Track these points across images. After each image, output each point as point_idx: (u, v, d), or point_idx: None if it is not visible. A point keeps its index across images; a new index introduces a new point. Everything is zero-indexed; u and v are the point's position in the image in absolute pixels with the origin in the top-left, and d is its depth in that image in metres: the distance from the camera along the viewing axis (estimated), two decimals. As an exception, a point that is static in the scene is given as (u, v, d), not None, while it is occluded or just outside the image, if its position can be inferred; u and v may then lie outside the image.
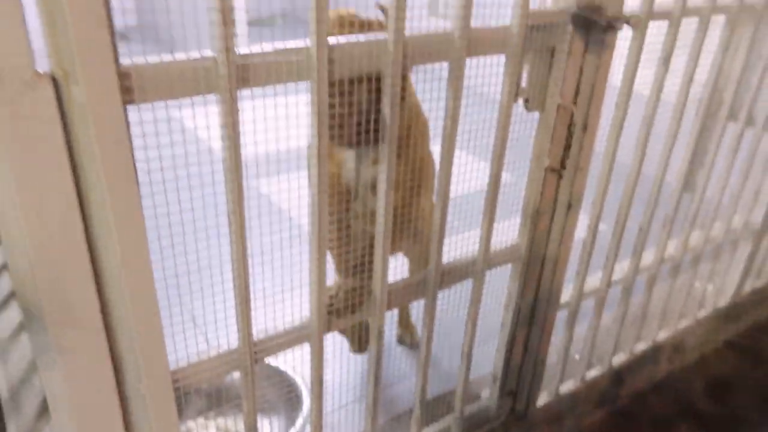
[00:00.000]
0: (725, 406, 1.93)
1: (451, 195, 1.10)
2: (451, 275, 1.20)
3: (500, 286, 1.38)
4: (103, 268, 0.76)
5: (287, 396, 1.51)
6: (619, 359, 1.77)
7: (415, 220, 1.24)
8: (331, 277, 1.16)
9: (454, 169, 1.08)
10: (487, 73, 1.05)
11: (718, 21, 1.39)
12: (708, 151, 1.63)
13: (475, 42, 0.97)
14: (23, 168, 0.66)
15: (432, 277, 1.17)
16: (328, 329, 1.06)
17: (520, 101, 1.13)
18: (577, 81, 1.14)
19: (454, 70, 0.98)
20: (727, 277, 2.04)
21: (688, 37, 1.33)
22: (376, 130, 0.95)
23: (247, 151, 0.83)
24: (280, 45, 0.79)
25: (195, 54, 0.73)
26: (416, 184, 1.16)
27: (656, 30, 1.24)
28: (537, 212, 1.26)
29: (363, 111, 0.95)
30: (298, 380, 1.54)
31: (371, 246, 1.06)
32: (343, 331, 1.62)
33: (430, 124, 1.33)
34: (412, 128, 1.17)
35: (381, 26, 0.97)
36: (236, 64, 0.75)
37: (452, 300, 1.31)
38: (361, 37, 0.86)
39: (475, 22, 0.96)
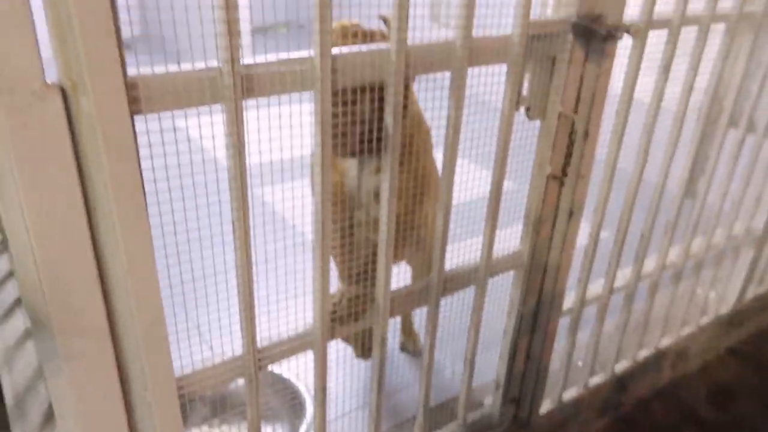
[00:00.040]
0: (728, 413, 1.93)
1: (454, 202, 1.11)
2: (453, 282, 1.21)
3: (502, 294, 1.39)
4: (110, 276, 0.77)
5: (290, 403, 1.51)
6: (622, 366, 1.77)
7: (418, 228, 1.25)
8: (334, 285, 1.16)
9: (457, 177, 1.08)
10: (488, 82, 1.06)
11: (718, 29, 1.40)
12: (709, 157, 1.64)
13: (476, 51, 0.98)
14: (32, 177, 0.67)
15: (434, 284, 1.17)
16: (332, 336, 1.07)
17: (522, 109, 1.14)
18: (578, 89, 1.15)
19: (456, 79, 0.99)
20: (729, 284, 2.04)
21: (688, 45, 1.35)
22: (379, 139, 0.96)
23: (251, 159, 0.84)
24: (284, 55, 0.80)
25: (200, 64, 0.74)
26: (419, 192, 1.17)
27: (656, 39, 1.25)
28: (539, 219, 1.27)
29: (366, 120, 0.96)
30: (301, 388, 1.54)
31: (374, 254, 1.07)
32: (346, 339, 1.62)
33: (433, 132, 1.34)
34: (415, 137, 1.18)
35: (383, 36, 0.98)
36: (241, 74, 0.76)
37: (455, 307, 1.32)
38: (364, 48, 0.87)
39: (476, 32, 0.97)
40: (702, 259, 1.82)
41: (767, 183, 1.86)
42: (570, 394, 1.65)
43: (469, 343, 1.32)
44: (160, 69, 0.71)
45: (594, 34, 1.10)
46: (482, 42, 0.99)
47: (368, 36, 1.09)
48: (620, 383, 1.80)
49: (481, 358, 1.38)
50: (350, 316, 1.08)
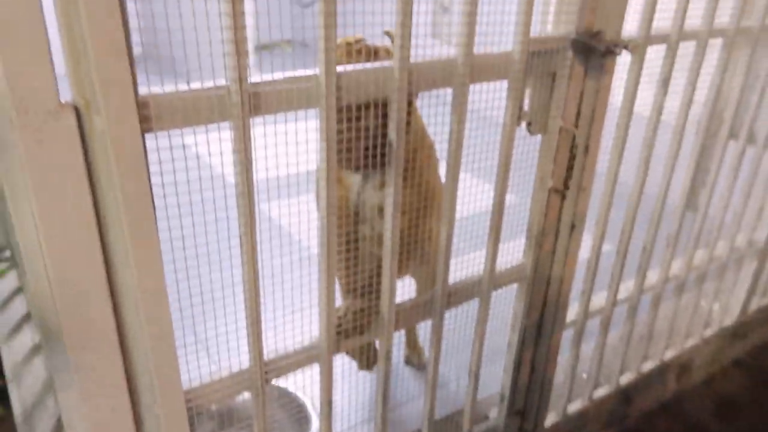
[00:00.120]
0: (733, 425, 1.92)
1: (457, 216, 1.13)
2: (457, 295, 1.22)
3: (506, 306, 1.40)
4: (120, 290, 0.79)
5: (296, 417, 1.51)
6: (627, 378, 1.77)
7: (422, 242, 1.26)
8: (337, 300, 1.18)
9: (460, 191, 1.10)
10: (490, 98, 1.08)
11: (716, 44, 1.43)
12: (709, 170, 1.65)
13: (478, 68, 1.00)
14: (46, 193, 0.69)
15: (439, 297, 1.18)
16: (337, 350, 1.08)
17: (523, 124, 1.16)
18: (578, 104, 1.17)
19: (458, 95, 1.01)
20: (732, 296, 2.04)
21: (687, 60, 1.37)
22: (383, 155, 0.98)
23: (257, 175, 0.86)
24: (290, 73, 0.82)
25: (209, 83, 0.76)
26: (423, 206, 1.19)
27: (655, 54, 1.27)
28: (541, 233, 1.28)
29: (370, 136, 0.98)
30: (307, 401, 1.55)
31: (379, 267, 1.08)
32: (349, 352, 1.63)
33: (436, 147, 1.36)
34: (418, 152, 1.20)
35: (388, 52, 1.00)
36: (248, 92, 0.78)
37: (459, 320, 1.33)
38: (368, 65, 0.89)
39: (477, 49, 0.99)
40: (705, 271, 1.82)
41: (768, 195, 1.87)
42: (575, 406, 1.65)
43: (474, 355, 1.33)
44: (170, 88, 0.73)
45: (593, 50, 1.12)
46: (483, 59, 1.01)
47: (372, 53, 1.11)
48: (625, 395, 1.80)
49: (486, 370, 1.39)
50: (355, 330, 1.09)
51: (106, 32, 0.64)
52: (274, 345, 1.02)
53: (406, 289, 1.42)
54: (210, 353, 0.99)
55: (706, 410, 1.97)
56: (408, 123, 0.96)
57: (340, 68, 0.85)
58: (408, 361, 1.97)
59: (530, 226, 1.29)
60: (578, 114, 1.18)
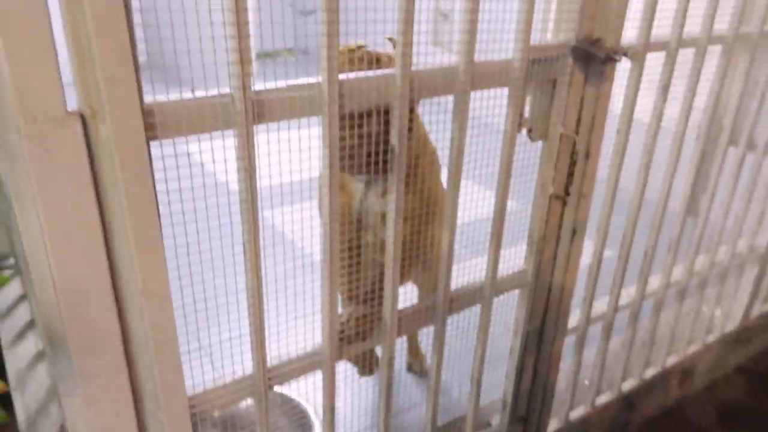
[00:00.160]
0: None
1: (458, 222, 1.13)
2: (459, 301, 1.22)
3: (508, 313, 1.40)
4: (124, 297, 0.79)
5: (299, 423, 1.51)
6: (629, 385, 1.77)
7: (424, 249, 1.27)
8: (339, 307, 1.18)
9: (461, 198, 1.11)
10: (491, 105, 1.08)
11: (715, 50, 1.44)
12: (710, 175, 1.66)
13: (479, 76, 1.01)
14: (52, 200, 0.69)
15: (441, 303, 1.19)
16: (340, 356, 1.08)
17: (524, 131, 1.17)
18: (579, 111, 1.18)
19: (459, 103, 1.01)
20: (734, 302, 2.04)
21: (686, 66, 1.37)
22: (385, 161, 0.98)
23: (260, 182, 0.87)
24: (293, 81, 0.83)
25: (213, 91, 0.77)
26: (425, 212, 1.20)
27: (654, 61, 1.28)
28: (542, 239, 1.29)
29: (372, 142, 0.99)
30: (309, 409, 1.55)
31: (381, 273, 1.09)
32: (349, 358, 1.63)
33: (438, 153, 1.37)
34: (420, 158, 1.21)
35: (390, 59, 1.01)
36: (252, 100, 0.79)
37: (461, 326, 1.33)
38: (370, 73, 0.90)
39: (478, 57, 1.00)
40: (706, 276, 1.83)
41: (769, 200, 1.88)
42: (577, 413, 1.65)
43: (476, 361, 1.33)
44: (174, 96, 0.74)
45: (593, 58, 1.13)
46: (484, 66, 1.02)
47: (374, 60, 1.12)
48: (627, 402, 1.80)
49: (488, 377, 1.39)
50: (358, 336, 1.09)
51: (112, 41, 0.65)
52: (276, 351, 1.02)
53: (408, 295, 1.42)
54: (213, 359, 1.00)
55: (708, 417, 1.97)
56: (410, 129, 0.96)
57: (342, 76, 0.86)
58: (410, 368, 1.98)
59: (531, 232, 1.30)
60: (579, 120, 1.19)
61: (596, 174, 1.27)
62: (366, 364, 1.56)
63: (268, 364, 0.99)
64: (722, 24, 1.40)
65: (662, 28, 1.26)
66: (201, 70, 0.74)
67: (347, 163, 1.08)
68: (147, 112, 0.71)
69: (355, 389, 1.32)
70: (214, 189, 0.88)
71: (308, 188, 1.14)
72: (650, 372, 1.82)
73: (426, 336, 1.97)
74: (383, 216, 1.25)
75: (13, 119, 0.65)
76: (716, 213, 1.74)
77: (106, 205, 0.73)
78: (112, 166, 0.71)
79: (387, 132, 0.96)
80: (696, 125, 1.50)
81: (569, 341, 1.48)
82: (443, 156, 1.14)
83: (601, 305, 1.55)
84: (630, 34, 1.20)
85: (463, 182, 1.09)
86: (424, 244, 1.24)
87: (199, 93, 0.77)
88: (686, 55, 1.35)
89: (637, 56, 1.23)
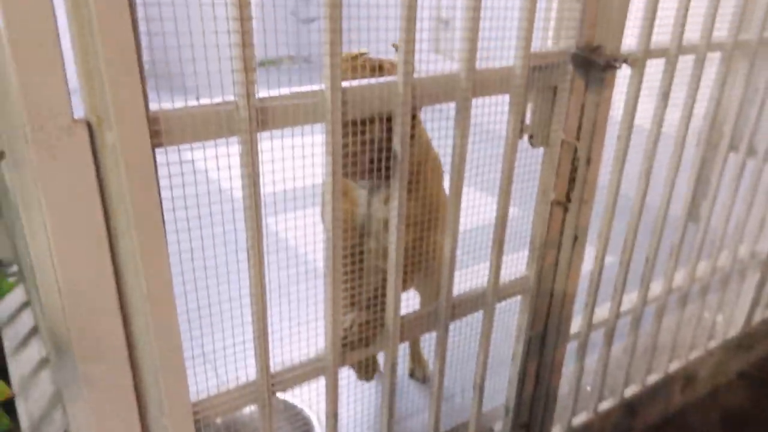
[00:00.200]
0: (740, 437, 1.91)
1: (461, 229, 1.14)
2: (461, 307, 1.23)
3: (510, 318, 1.41)
4: (129, 303, 0.80)
5: (301, 430, 1.52)
6: (631, 391, 1.77)
7: (427, 256, 1.27)
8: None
9: (463, 204, 1.11)
10: (492, 112, 1.09)
11: (714, 57, 1.44)
12: (710, 181, 1.66)
13: (480, 83, 1.02)
14: (58, 207, 0.70)
15: (443, 309, 1.19)
16: (343, 362, 1.08)
17: (525, 137, 1.18)
18: (580, 117, 1.19)
19: (461, 110, 1.02)
20: (736, 307, 2.05)
21: (686, 73, 1.38)
22: (388, 168, 0.99)
23: (263, 189, 0.87)
24: (296, 89, 0.84)
25: (218, 99, 0.78)
26: (427, 218, 1.20)
27: (654, 68, 1.29)
28: (544, 245, 1.29)
29: (375, 149, 1.00)
30: (312, 416, 1.55)
31: (384, 280, 1.09)
32: (351, 363, 1.63)
33: (441, 161, 1.38)
34: (422, 165, 1.21)
35: (393, 66, 1.02)
36: (256, 107, 0.79)
37: (463, 332, 1.33)
38: (373, 81, 0.91)
39: (479, 64, 1.01)
40: (708, 282, 1.83)
41: (770, 206, 1.88)
42: (580, 419, 1.65)
43: (479, 367, 1.34)
44: (179, 104, 0.75)
45: (593, 65, 1.14)
46: (486, 74, 1.03)
47: (377, 67, 1.13)
48: (630, 408, 1.80)
49: (491, 383, 1.39)
50: (361, 342, 1.10)
51: (118, 50, 0.66)
52: (280, 357, 1.03)
53: (410, 302, 1.42)
54: (216, 365, 1.00)
55: (711, 423, 1.96)
56: (412, 136, 0.97)
57: (345, 83, 0.87)
58: (412, 374, 1.98)
59: (533, 238, 1.30)
60: (579, 127, 1.19)
61: (597, 180, 1.28)
62: (365, 369, 1.56)
63: (271, 370, 0.99)
64: (721, 31, 1.41)
65: (662, 35, 1.27)
66: (204, 78, 0.75)
67: (350, 169, 1.08)
68: (152, 120, 0.72)
69: (357, 396, 1.33)
70: (216, 196, 0.89)
71: (310, 195, 1.15)
72: (653, 378, 1.82)
73: (428, 342, 1.97)
74: (386, 223, 1.25)
75: (20, 127, 0.66)
76: (717, 219, 1.75)
77: (112, 212, 0.74)
78: (117, 173, 0.72)
79: (390, 139, 0.97)
80: (696, 131, 1.51)
81: (571, 347, 1.48)
82: (445, 163, 1.14)
83: (602, 311, 1.55)
84: (630, 41, 1.21)
85: (465, 189, 1.10)
86: (426, 251, 1.25)
87: (204, 100, 0.77)
88: (686, 62, 1.36)
89: (637, 63, 1.24)
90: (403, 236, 1.04)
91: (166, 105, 0.74)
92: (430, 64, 1.02)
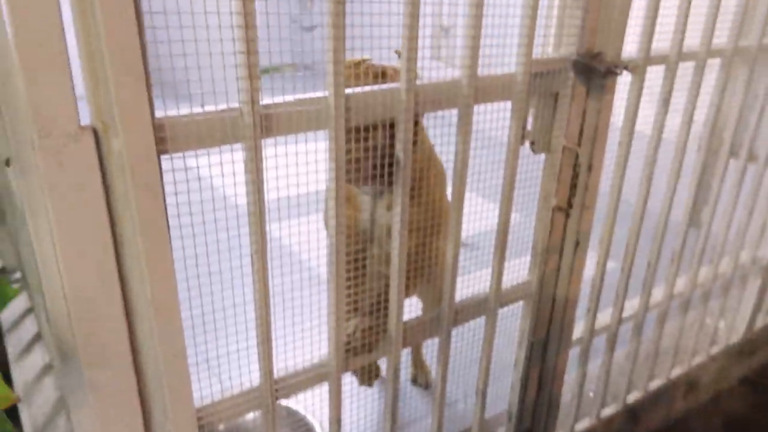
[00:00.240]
0: (743, 443, 1.91)
1: (463, 235, 1.14)
2: (464, 313, 1.23)
3: (512, 324, 1.41)
4: (134, 308, 0.80)
5: (304, 437, 1.52)
6: (634, 397, 1.77)
7: (430, 263, 1.28)
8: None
9: (465, 210, 1.12)
10: (494, 118, 1.10)
11: (714, 63, 1.45)
12: (711, 187, 1.67)
13: (482, 90, 1.03)
14: (64, 213, 0.70)
15: (446, 315, 1.19)
16: (346, 368, 1.09)
17: (527, 144, 1.18)
18: (581, 123, 1.19)
19: (463, 116, 1.03)
20: (738, 313, 2.04)
21: (686, 79, 1.39)
22: (391, 174, 1.00)
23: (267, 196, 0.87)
24: (300, 95, 0.85)
25: (222, 106, 0.79)
26: (430, 224, 1.21)
27: (655, 74, 1.30)
28: (546, 250, 1.30)
29: (378, 155, 1.00)
30: (315, 423, 1.55)
31: (387, 286, 1.09)
32: (354, 370, 1.63)
33: (444, 168, 1.38)
34: (425, 171, 1.22)
35: (396, 72, 1.03)
36: (260, 114, 0.80)
37: (466, 338, 1.34)
38: (376, 87, 0.91)
39: (481, 71, 1.02)
40: (709, 288, 1.83)
41: (771, 212, 1.89)
42: (582, 425, 1.65)
43: (481, 373, 1.34)
44: (185, 111, 0.76)
45: (594, 71, 1.14)
46: (487, 80, 1.04)
47: (380, 74, 1.14)
48: (632, 414, 1.79)
49: (493, 389, 1.39)
50: (364, 347, 1.10)
51: (125, 58, 0.67)
52: (283, 363, 1.03)
53: (412, 308, 1.43)
54: (219, 371, 1.00)
55: (713, 429, 1.96)
56: (415, 142, 0.98)
57: (348, 90, 0.87)
58: (414, 381, 1.97)
59: (535, 244, 1.31)
60: (581, 133, 1.20)
61: (599, 186, 1.28)
62: (367, 374, 1.56)
63: (275, 376, 0.99)
64: (721, 38, 1.42)
65: (662, 42, 1.27)
66: (206, 85, 0.76)
67: (353, 175, 1.09)
68: (158, 127, 0.73)
69: (360, 402, 1.33)
70: (218, 203, 0.90)
71: (312, 202, 1.15)
72: (655, 384, 1.82)
73: (430, 348, 1.97)
74: (390, 229, 1.26)
75: (27, 134, 0.66)
76: (718, 224, 1.75)
77: (117, 218, 0.75)
78: (123, 180, 0.72)
79: (393, 145, 0.97)
80: (697, 137, 1.52)
81: (573, 353, 1.48)
82: (447, 169, 1.15)
83: (604, 317, 1.56)
84: (630, 48, 1.22)
85: (467, 195, 1.11)
86: (429, 257, 1.25)
87: (209, 107, 0.78)
88: (686, 69, 1.37)
89: (638, 70, 1.25)
90: (406, 242, 1.04)
91: (172, 112, 0.74)
92: (432, 71, 1.03)
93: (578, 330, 1.49)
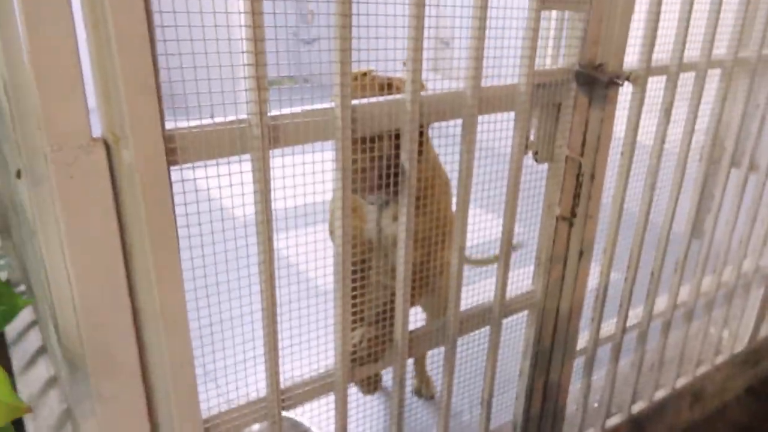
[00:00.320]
0: (749, 453, 1.90)
1: (467, 244, 1.15)
2: (469, 323, 1.23)
3: (517, 334, 1.41)
4: (142, 319, 0.81)
5: (309, 448, 1.51)
6: (639, 407, 1.76)
7: (435, 271, 1.28)
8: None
9: (470, 219, 1.12)
10: (497, 128, 1.11)
11: (715, 74, 1.47)
12: (713, 197, 1.67)
13: (485, 100, 1.04)
14: (75, 224, 0.71)
15: (451, 324, 1.20)
16: (352, 378, 1.09)
17: (530, 154, 1.19)
18: (583, 133, 1.20)
19: (467, 126, 1.04)
20: (742, 323, 2.04)
21: (687, 89, 1.40)
22: (396, 184, 1.00)
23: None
24: (307, 107, 0.86)
25: (231, 117, 0.80)
26: (435, 234, 1.21)
27: (656, 84, 1.31)
28: (550, 260, 1.30)
29: (384, 165, 1.01)
30: (318, 433, 1.55)
31: (392, 296, 1.10)
32: (359, 382, 1.63)
33: (449, 178, 1.39)
34: (429, 181, 1.23)
35: (402, 83, 1.04)
36: (268, 125, 0.81)
37: (470, 348, 1.33)
38: (381, 99, 0.93)
39: (484, 82, 1.03)
40: (713, 297, 1.83)
41: (773, 221, 1.89)
42: (588, 436, 1.65)
43: (486, 383, 1.34)
44: (194, 122, 0.76)
45: (596, 82, 1.16)
46: (491, 91, 1.05)
47: (385, 85, 1.15)
48: (637, 425, 1.79)
49: (498, 399, 1.39)
50: (369, 357, 1.10)
51: (136, 71, 0.68)
52: (288, 374, 1.03)
53: (417, 316, 1.43)
54: (228, 381, 1.00)
55: (720, 439, 1.95)
56: (420, 153, 0.99)
57: (354, 101, 0.88)
58: (417, 392, 1.97)
59: (539, 253, 1.31)
60: (583, 143, 1.21)
61: (602, 195, 1.29)
62: (370, 383, 1.56)
63: (281, 386, 0.99)
64: (721, 49, 1.43)
65: (663, 53, 1.29)
66: (215, 97, 0.77)
67: (359, 185, 1.10)
68: (168, 138, 0.73)
69: (366, 412, 1.32)
70: (216, 214, 0.90)
71: (311, 213, 1.16)
72: (660, 394, 1.82)
73: (432, 360, 1.97)
74: (395, 239, 1.26)
75: (40, 146, 0.67)
76: (721, 234, 1.75)
77: (127, 229, 0.75)
78: (133, 191, 0.73)
79: (398, 155, 0.98)
80: (698, 147, 1.53)
81: (578, 363, 1.48)
82: (452, 178, 1.15)
83: (609, 326, 1.56)
84: (631, 59, 1.23)
85: (471, 205, 1.11)
86: (434, 266, 1.26)
87: (218, 119, 0.79)
88: (687, 79, 1.38)
89: (639, 80, 1.26)
90: (412, 252, 1.05)
91: (181, 123, 0.75)
92: (430, 82, 1.04)
93: (582, 340, 1.49)
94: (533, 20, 1.04)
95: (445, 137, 1.13)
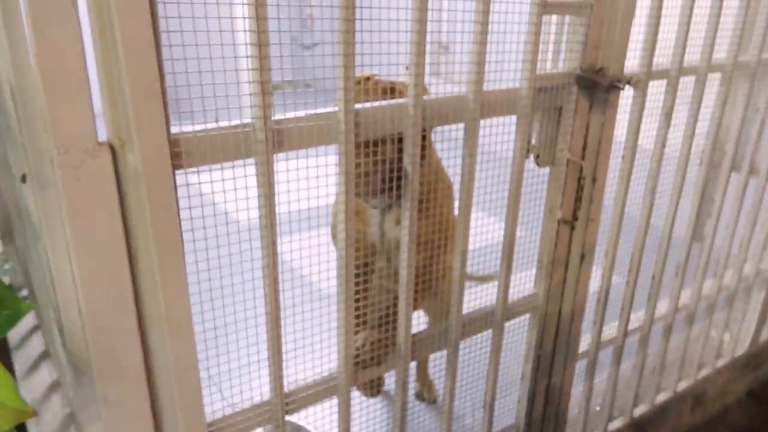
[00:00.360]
0: (751, 457, 1.90)
1: (469, 248, 1.15)
2: (471, 326, 1.23)
3: (519, 337, 1.41)
4: (147, 323, 0.81)
5: (311, 452, 1.51)
6: (641, 410, 1.76)
7: (437, 275, 1.29)
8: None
9: (472, 223, 1.13)
10: (499, 132, 1.12)
11: (715, 78, 1.47)
12: (714, 200, 1.68)
13: (487, 104, 1.05)
14: (81, 228, 0.71)
15: (453, 327, 1.20)
16: (355, 381, 1.09)
17: (532, 157, 1.20)
18: (585, 137, 1.21)
19: (469, 130, 1.04)
20: (743, 326, 2.05)
21: (687, 93, 1.41)
22: (399, 187, 1.01)
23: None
24: (311, 111, 0.86)
25: (235, 121, 0.80)
26: (437, 237, 1.22)
27: (656, 88, 1.32)
28: (552, 263, 1.31)
29: (386, 169, 1.01)
30: (321, 438, 1.55)
31: (395, 299, 1.10)
32: (360, 385, 1.63)
33: (452, 182, 1.39)
34: (432, 185, 1.23)
35: (405, 86, 1.04)
36: (272, 129, 0.81)
37: (472, 352, 1.34)
38: (384, 103, 0.93)
39: (486, 86, 1.04)
40: (714, 301, 1.83)
41: (773, 224, 1.90)
42: (590, 439, 1.65)
43: (488, 386, 1.34)
44: (199, 126, 0.77)
45: (597, 86, 1.16)
46: (492, 95, 1.05)
47: (388, 89, 1.15)
48: (639, 428, 1.79)
49: (500, 402, 1.39)
50: (372, 360, 1.10)
51: (142, 76, 0.68)
52: (292, 377, 1.03)
53: (420, 319, 1.43)
54: (230, 385, 1.01)
55: (722, 442, 1.95)
56: (423, 156, 0.99)
57: (357, 105, 0.89)
58: (419, 396, 1.97)
59: (540, 256, 1.32)
60: (585, 146, 1.22)
61: (603, 199, 1.30)
62: (373, 386, 1.56)
63: (285, 390, 1.00)
64: (721, 53, 1.44)
65: (663, 57, 1.29)
66: (219, 101, 0.77)
67: (362, 189, 1.10)
68: (173, 142, 0.74)
69: (369, 417, 1.32)
70: (219, 218, 0.90)
71: (312, 216, 1.16)
72: (661, 397, 1.82)
73: (434, 364, 1.97)
74: (398, 243, 1.27)
75: (46, 149, 0.67)
76: (721, 237, 1.76)
77: (133, 233, 0.76)
78: (139, 195, 0.73)
79: (401, 159, 0.99)
80: (698, 151, 1.53)
81: (580, 366, 1.48)
82: (454, 182, 1.16)
83: (610, 330, 1.56)
84: (632, 63, 1.24)
85: (473, 208, 1.12)
86: (437, 269, 1.26)
87: (223, 123, 0.79)
88: (687, 83, 1.39)
89: (640, 84, 1.27)
90: (414, 255, 1.05)
91: (186, 127, 0.76)
92: (431, 86, 1.04)
93: (584, 343, 1.49)
94: (534, 25, 1.05)
95: (447, 141, 1.13)
